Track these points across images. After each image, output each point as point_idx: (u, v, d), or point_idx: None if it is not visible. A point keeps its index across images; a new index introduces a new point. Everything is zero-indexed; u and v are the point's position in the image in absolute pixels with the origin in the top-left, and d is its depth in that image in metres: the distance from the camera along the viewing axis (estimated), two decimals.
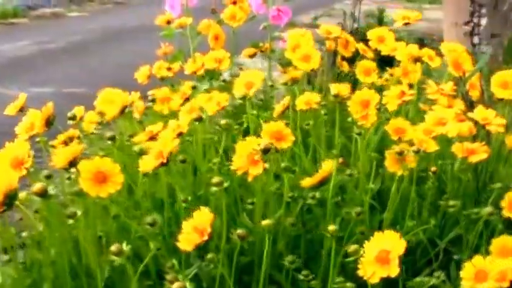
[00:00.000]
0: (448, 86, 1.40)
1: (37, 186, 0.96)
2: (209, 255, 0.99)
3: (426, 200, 1.20)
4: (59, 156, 1.07)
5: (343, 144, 1.40)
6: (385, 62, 1.81)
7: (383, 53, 1.69)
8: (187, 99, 1.53)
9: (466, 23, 2.89)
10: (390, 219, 1.17)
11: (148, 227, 1.04)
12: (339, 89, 1.35)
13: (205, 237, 0.95)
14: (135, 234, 1.14)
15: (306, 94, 1.39)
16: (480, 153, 1.18)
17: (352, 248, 0.93)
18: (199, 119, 1.28)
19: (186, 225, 0.98)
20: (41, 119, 1.27)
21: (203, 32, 1.98)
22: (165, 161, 1.09)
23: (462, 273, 0.96)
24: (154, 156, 1.10)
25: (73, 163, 1.07)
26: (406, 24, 1.79)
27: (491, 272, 0.94)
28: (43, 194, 0.97)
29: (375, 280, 0.91)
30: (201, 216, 0.97)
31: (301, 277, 1.05)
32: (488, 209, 1.09)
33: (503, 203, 1.10)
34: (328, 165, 1.09)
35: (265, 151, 1.03)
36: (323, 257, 1.11)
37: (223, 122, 1.27)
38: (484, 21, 2.70)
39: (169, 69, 1.84)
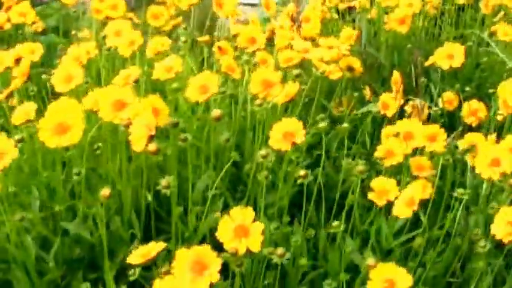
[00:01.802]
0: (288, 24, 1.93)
1: (216, 111, 1.20)
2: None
3: None
4: None
5: None
6: None
7: None
8: None
9: None
10: None
11: None
12: None
13: (299, 139, 1.34)
14: None
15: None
16: (335, 72, 1.79)
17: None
18: None
19: (275, 131, 1.34)
20: None
21: None
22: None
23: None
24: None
25: None
26: None
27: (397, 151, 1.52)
28: (219, 119, 1.21)
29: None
30: (290, 124, 1.34)
31: None
32: (375, 108, 1.71)
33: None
34: (294, 86, 1.54)
35: (297, 76, 1.45)
36: None
37: None
38: None
39: None
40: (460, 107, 1.98)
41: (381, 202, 1.35)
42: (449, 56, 1.85)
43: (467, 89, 2.02)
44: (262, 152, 1.27)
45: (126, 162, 1.38)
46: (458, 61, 1.83)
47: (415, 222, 1.48)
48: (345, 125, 1.49)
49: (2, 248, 1.34)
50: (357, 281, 1.28)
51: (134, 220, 1.44)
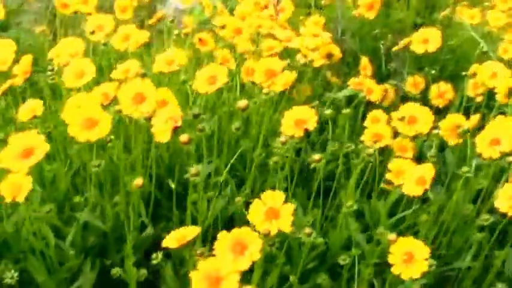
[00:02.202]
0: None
1: (243, 102, 1.27)
2: None
3: None
4: None
5: None
6: None
7: None
8: None
9: None
10: None
11: None
12: None
13: (311, 126, 1.42)
14: None
15: None
16: (318, 60, 1.88)
17: None
18: None
19: (287, 118, 1.42)
20: None
21: None
22: None
23: None
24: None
25: None
26: None
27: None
28: (246, 109, 1.28)
29: None
30: (302, 111, 1.43)
31: None
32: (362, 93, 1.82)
33: None
34: (292, 75, 1.62)
35: (305, 65, 1.53)
36: None
37: None
38: None
39: None
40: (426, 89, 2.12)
41: (397, 181, 1.45)
42: (424, 40, 1.96)
43: (432, 72, 2.15)
44: (282, 138, 1.35)
45: (140, 155, 1.44)
46: (434, 46, 1.95)
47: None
48: (347, 110, 1.59)
49: (16, 238, 1.38)
50: (374, 254, 1.38)
51: (142, 209, 1.50)
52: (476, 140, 1.44)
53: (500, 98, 1.74)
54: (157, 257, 1.27)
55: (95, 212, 1.47)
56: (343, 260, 1.35)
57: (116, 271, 1.29)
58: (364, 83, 1.87)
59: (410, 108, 1.63)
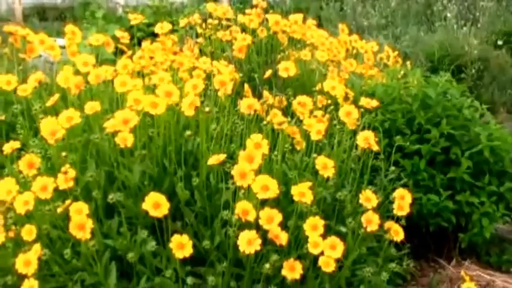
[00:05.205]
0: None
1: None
2: None
3: None
4: None
5: None
6: None
7: None
8: None
9: None
10: None
11: None
12: None
13: (257, 107, 2.77)
14: None
15: None
16: None
17: None
18: None
19: (243, 104, 2.76)
20: None
21: None
22: None
23: None
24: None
25: None
26: None
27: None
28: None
29: None
30: (251, 100, 2.78)
31: None
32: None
33: None
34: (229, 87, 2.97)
35: (232, 80, 2.89)
36: None
37: None
38: None
39: None
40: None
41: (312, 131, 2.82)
42: (286, 69, 3.39)
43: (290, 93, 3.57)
44: (245, 113, 2.70)
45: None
46: (292, 72, 3.38)
47: None
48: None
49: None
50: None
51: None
52: (339, 114, 2.88)
53: (340, 101, 3.22)
54: (195, 180, 2.52)
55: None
56: (291, 174, 2.66)
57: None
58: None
59: (301, 98, 3.01)
